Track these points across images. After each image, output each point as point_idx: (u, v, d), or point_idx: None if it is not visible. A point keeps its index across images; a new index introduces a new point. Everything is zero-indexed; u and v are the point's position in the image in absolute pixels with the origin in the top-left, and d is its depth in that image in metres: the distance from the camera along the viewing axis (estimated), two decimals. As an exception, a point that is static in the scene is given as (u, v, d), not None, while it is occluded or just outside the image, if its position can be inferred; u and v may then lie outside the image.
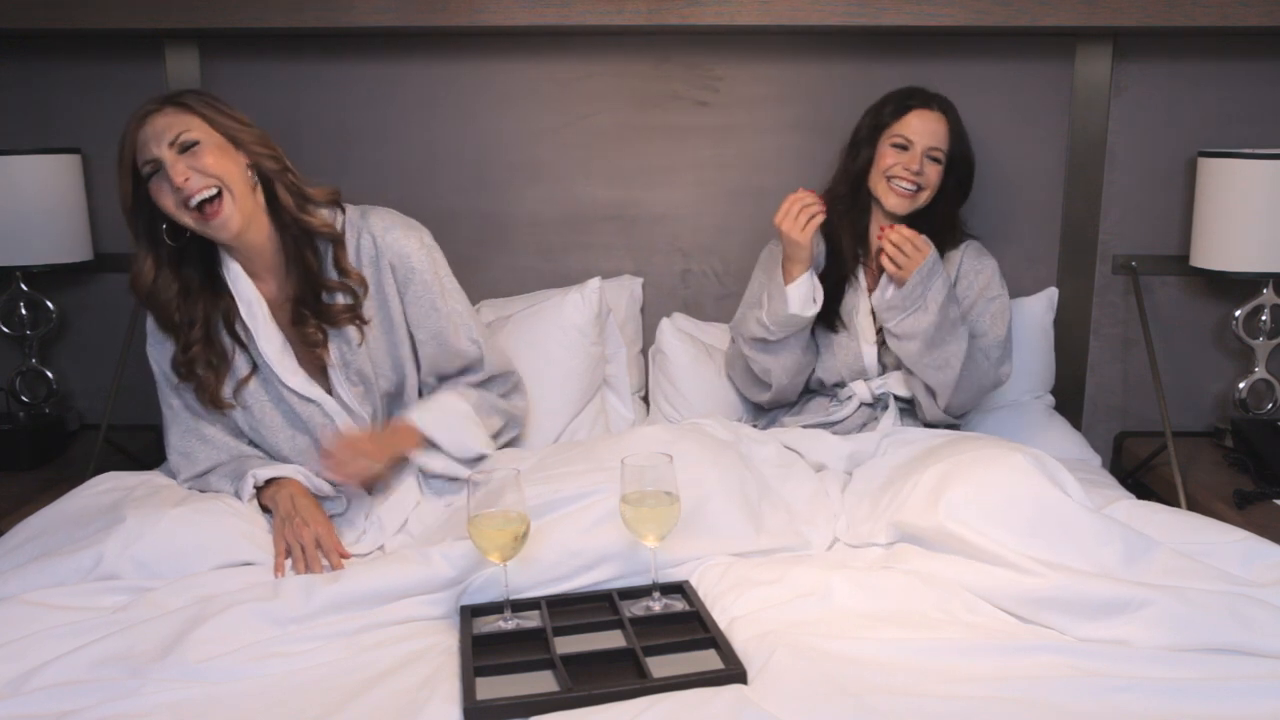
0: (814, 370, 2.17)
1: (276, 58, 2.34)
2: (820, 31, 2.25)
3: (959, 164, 2.15)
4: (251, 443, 1.89)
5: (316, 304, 1.82)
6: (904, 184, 2.09)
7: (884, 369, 2.16)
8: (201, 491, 1.86)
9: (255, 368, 1.84)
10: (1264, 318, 2.31)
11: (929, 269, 2.01)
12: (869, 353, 2.14)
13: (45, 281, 2.39)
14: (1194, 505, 2.01)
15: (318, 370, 1.86)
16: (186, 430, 1.87)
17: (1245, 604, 1.41)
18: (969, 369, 2.04)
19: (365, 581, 1.54)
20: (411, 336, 1.91)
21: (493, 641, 1.46)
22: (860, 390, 2.14)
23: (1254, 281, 2.29)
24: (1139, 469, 2.31)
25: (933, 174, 2.11)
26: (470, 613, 1.51)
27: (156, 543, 1.62)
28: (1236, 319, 2.33)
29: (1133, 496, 1.93)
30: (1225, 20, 2.17)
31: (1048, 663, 1.35)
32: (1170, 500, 2.07)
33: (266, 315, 1.83)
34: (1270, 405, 2.34)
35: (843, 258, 2.17)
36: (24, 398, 2.37)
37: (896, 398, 2.14)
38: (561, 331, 2.21)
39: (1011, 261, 2.39)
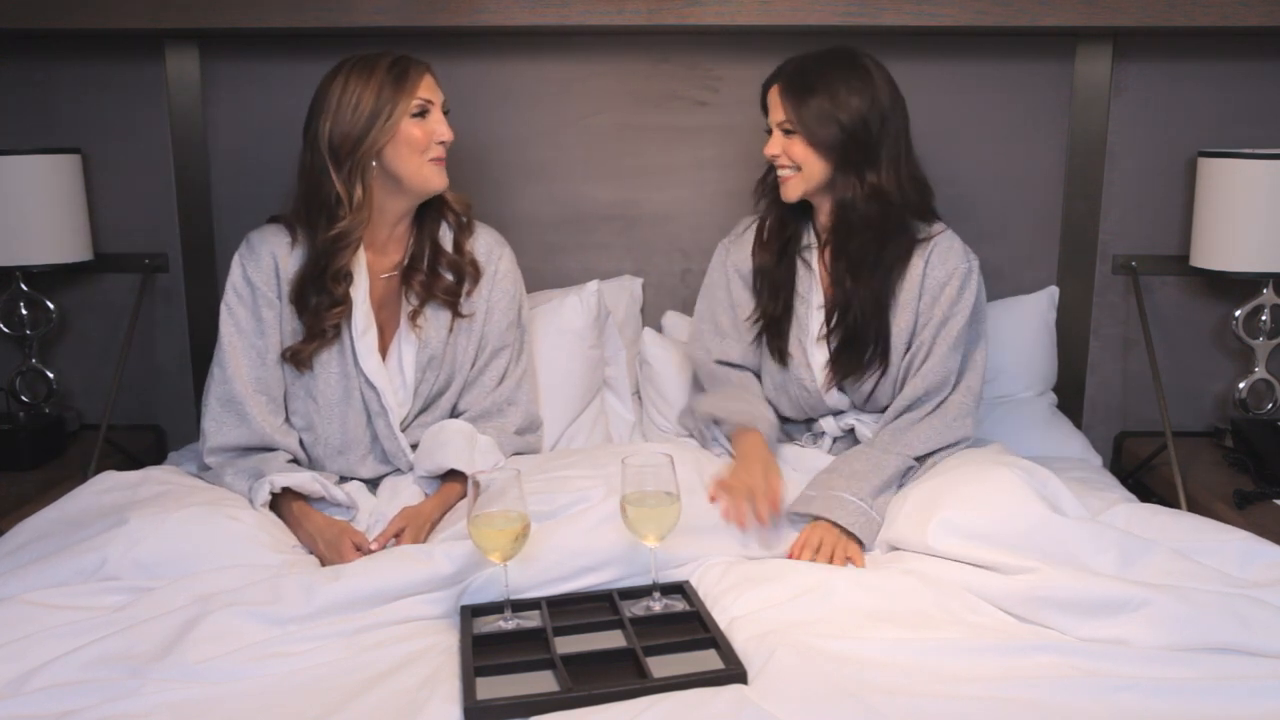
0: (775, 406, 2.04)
1: (276, 58, 2.34)
2: (820, 31, 2.25)
3: (815, 136, 1.87)
4: (287, 421, 1.92)
5: (427, 275, 1.93)
6: (779, 170, 1.95)
7: (850, 403, 1.99)
8: (212, 483, 1.87)
9: (337, 338, 1.89)
10: (1264, 318, 2.31)
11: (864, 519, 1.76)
12: (820, 357, 1.97)
13: (45, 281, 2.39)
14: (1194, 505, 2.01)
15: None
16: (228, 401, 1.88)
17: (1244, 603, 1.41)
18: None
19: (365, 581, 1.54)
20: (475, 356, 1.98)
21: (493, 641, 1.46)
22: (830, 426, 2.01)
23: (1254, 281, 2.29)
24: (1139, 469, 2.31)
25: (795, 149, 1.90)
26: (470, 613, 1.51)
27: (160, 546, 1.62)
28: (1236, 319, 2.33)
29: (1133, 497, 1.93)
30: (1225, 20, 2.17)
31: (1048, 663, 1.35)
32: (1170, 500, 2.07)
33: (365, 292, 1.90)
34: (1270, 405, 2.34)
35: (777, 286, 1.99)
36: (24, 398, 2.37)
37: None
38: (559, 335, 2.21)
39: (1011, 261, 2.40)
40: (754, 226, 2.06)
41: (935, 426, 1.89)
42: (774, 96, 1.93)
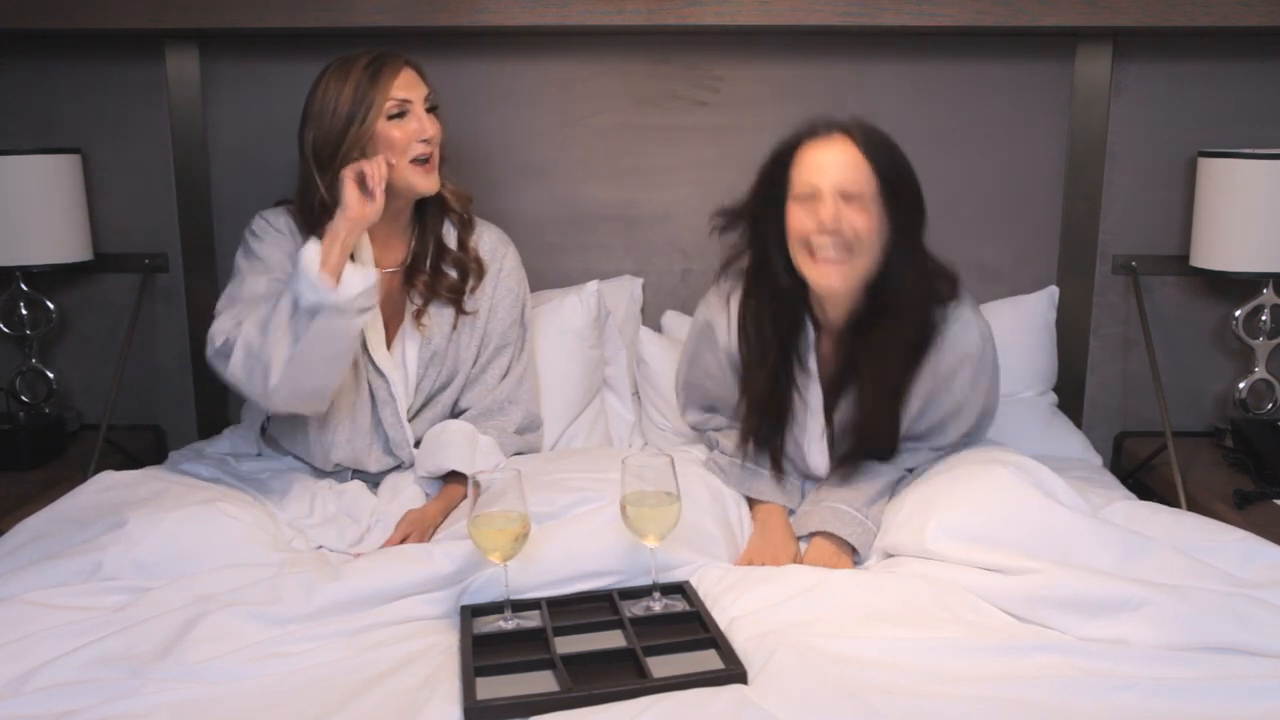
0: None
1: (276, 58, 2.34)
2: (820, 31, 2.25)
3: (897, 198, 1.65)
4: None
5: (430, 274, 1.93)
6: (830, 250, 1.63)
7: None
8: (252, 345, 1.73)
9: None
10: (1264, 318, 2.31)
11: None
12: (821, 456, 1.84)
13: (45, 281, 2.39)
14: (1194, 505, 2.01)
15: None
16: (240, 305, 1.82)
17: (1245, 603, 1.41)
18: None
19: (366, 581, 1.54)
20: (478, 353, 1.98)
21: (493, 641, 1.46)
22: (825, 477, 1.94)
23: (1254, 281, 2.29)
24: (1139, 469, 2.31)
25: (859, 221, 1.62)
26: (470, 613, 1.51)
27: (158, 546, 1.62)
28: (1236, 319, 2.33)
29: (1133, 496, 1.93)
30: (1225, 20, 2.17)
31: (1048, 663, 1.35)
32: (1170, 500, 2.07)
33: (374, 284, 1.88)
34: (1270, 405, 2.34)
35: (776, 410, 1.80)
36: (24, 398, 2.37)
37: None
38: (559, 335, 2.21)
39: (1011, 261, 2.40)
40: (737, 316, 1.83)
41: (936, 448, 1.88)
42: (842, 150, 1.64)
